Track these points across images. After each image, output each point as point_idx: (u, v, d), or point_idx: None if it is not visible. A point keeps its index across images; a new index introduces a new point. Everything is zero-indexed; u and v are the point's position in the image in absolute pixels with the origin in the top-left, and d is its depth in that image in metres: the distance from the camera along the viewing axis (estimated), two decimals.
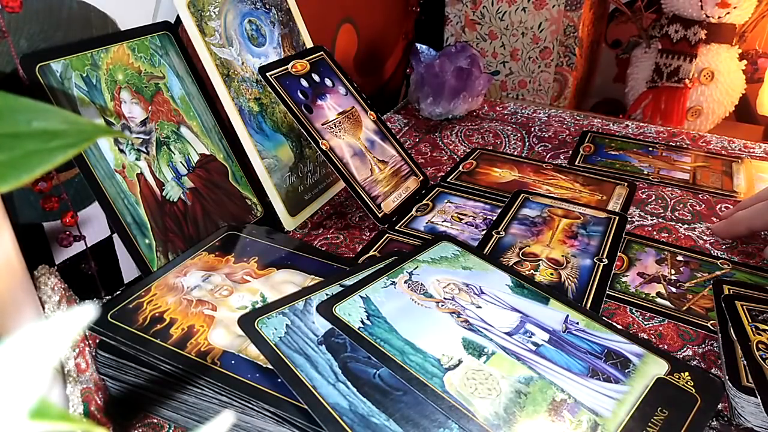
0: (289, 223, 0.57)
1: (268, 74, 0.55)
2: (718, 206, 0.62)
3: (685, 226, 0.59)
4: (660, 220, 0.60)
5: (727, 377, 0.38)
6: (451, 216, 0.59)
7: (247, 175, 0.56)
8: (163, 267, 0.47)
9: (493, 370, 0.36)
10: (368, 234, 0.57)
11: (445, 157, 0.73)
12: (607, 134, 0.78)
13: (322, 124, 0.56)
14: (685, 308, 0.47)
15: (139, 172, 0.48)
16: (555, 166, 0.70)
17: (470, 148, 0.75)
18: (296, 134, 0.60)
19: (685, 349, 0.43)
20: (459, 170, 0.68)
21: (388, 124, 0.75)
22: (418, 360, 0.37)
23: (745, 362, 0.39)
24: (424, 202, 0.61)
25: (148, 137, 0.49)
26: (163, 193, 0.49)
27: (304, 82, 0.58)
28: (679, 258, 0.53)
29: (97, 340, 0.38)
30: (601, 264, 0.50)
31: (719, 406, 0.38)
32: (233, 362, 0.37)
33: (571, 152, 0.74)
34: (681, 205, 0.62)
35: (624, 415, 0.34)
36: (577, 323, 0.41)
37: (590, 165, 0.70)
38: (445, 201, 0.62)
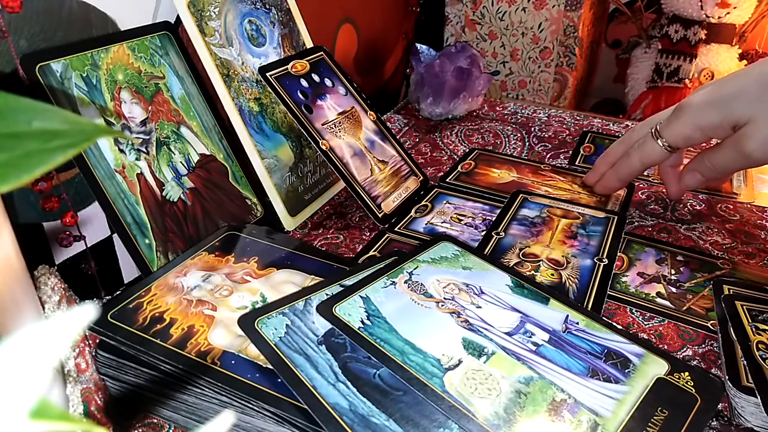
0: (289, 223, 0.57)
1: (268, 74, 0.55)
2: (719, 206, 0.62)
3: (685, 226, 0.59)
4: (660, 220, 0.60)
5: (727, 377, 0.38)
6: (450, 217, 0.59)
7: (247, 175, 0.56)
8: (163, 267, 0.47)
9: (493, 370, 0.36)
10: (368, 234, 0.57)
11: (445, 158, 0.73)
12: (608, 134, 0.78)
13: (322, 124, 0.56)
14: (685, 308, 0.47)
15: (139, 172, 0.48)
16: (553, 167, 0.70)
17: (470, 148, 0.75)
18: (296, 134, 0.60)
19: (685, 349, 0.43)
20: (458, 171, 0.68)
21: (388, 124, 0.75)
22: (418, 360, 0.37)
23: (745, 362, 0.39)
24: (422, 203, 0.61)
25: (148, 137, 0.49)
26: (163, 193, 0.49)
27: (304, 82, 0.58)
28: (679, 258, 0.53)
29: (97, 340, 0.38)
30: (602, 264, 0.50)
31: (719, 406, 0.38)
32: (233, 362, 0.37)
33: (571, 152, 0.74)
34: (681, 205, 0.62)
35: (624, 415, 0.34)
36: (577, 323, 0.41)
37: (591, 165, 0.70)
38: (444, 202, 0.61)
